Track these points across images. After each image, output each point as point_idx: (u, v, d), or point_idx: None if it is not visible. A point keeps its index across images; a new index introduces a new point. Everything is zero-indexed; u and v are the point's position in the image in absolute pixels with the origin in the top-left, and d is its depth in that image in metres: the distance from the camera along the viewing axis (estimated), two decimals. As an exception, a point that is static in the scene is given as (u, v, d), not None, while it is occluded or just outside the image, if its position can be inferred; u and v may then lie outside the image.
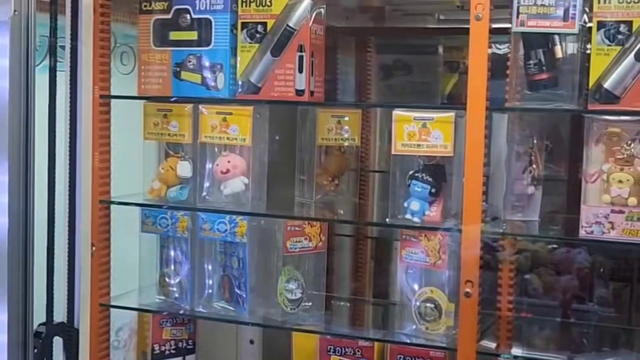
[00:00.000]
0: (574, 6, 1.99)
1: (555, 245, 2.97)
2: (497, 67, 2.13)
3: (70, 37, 2.29)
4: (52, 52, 2.23)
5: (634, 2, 1.91)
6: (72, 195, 2.33)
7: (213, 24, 2.27)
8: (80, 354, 2.40)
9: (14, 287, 2.05)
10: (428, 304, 2.19)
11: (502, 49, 2.28)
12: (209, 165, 2.36)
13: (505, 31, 2.12)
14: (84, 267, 2.37)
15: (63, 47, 2.34)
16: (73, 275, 2.34)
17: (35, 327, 2.29)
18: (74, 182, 2.31)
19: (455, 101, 2.87)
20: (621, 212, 1.95)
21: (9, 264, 2.04)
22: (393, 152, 2.16)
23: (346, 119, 2.47)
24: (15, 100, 1.86)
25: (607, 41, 1.94)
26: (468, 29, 2.01)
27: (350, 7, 2.90)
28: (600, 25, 1.94)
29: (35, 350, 2.26)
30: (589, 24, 2.01)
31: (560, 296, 2.92)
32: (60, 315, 2.40)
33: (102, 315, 2.44)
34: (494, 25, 2.03)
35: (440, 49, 3.02)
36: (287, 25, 2.21)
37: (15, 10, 1.81)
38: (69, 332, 2.39)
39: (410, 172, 2.18)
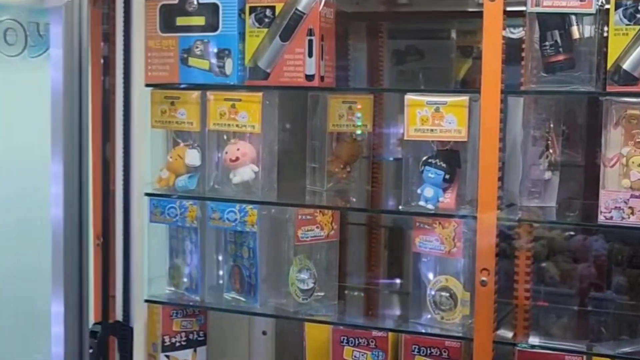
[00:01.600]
0: (591, -15, 1.94)
1: (572, 233, 2.92)
2: (512, 51, 2.08)
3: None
4: (106, 40, 2.17)
5: (653, -21, 1.86)
6: (127, 189, 2.27)
7: (220, 8, 2.24)
8: (135, 354, 2.38)
9: (70, 278, 2.01)
10: (443, 293, 2.16)
11: (517, 33, 2.23)
12: (218, 154, 2.32)
13: (520, 14, 2.07)
14: (135, 263, 2.33)
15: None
16: (129, 273, 2.29)
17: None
18: (128, 175, 2.25)
19: (469, 87, 2.82)
20: (641, 196, 1.91)
21: (64, 255, 1.99)
22: (405, 138, 2.13)
23: (358, 105, 2.42)
24: (69, 91, 1.82)
25: (625, 20, 1.90)
26: (482, 12, 1.97)
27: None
28: (619, 4, 1.91)
29: (91, 351, 2.21)
30: (607, 4, 1.96)
31: (577, 284, 2.88)
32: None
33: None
34: (508, 9, 1.99)
35: (454, 34, 2.97)
36: (296, 9, 2.17)
37: None
38: (124, 331, 2.34)
39: (424, 158, 2.14)
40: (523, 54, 2.08)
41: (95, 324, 2.32)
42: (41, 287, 2.20)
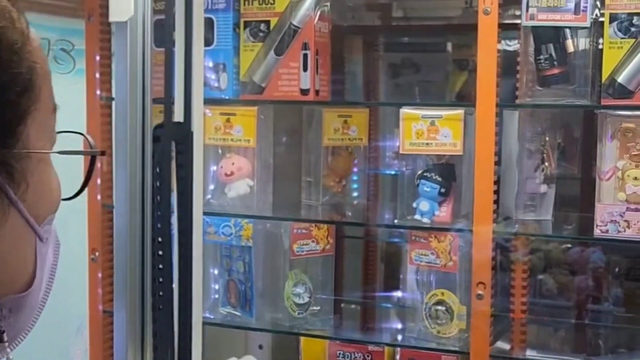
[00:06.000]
0: (586, -1, 1.94)
1: (569, 245, 2.92)
2: (507, 64, 2.08)
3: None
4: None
5: (647, -7, 1.86)
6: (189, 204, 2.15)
7: (215, 23, 2.24)
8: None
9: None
10: (439, 307, 2.15)
11: (512, 46, 2.23)
12: (212, 168, 2.32)
13: (514, 27, 2.07)
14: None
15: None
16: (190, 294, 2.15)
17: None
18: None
19: (465, 100, 2.82)
20: (637, 210, 1.91)
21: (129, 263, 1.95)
22: (401, 152, 2.12)
23: (352, 118, 2.42)
24: (133, 106, 1.81)
25: (620, 34, 1.90)
26: (477, 25, 1.97)
27: (356, 6, 2.85)
28: (613, 17, 1.91)
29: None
30: (601, 18, 1.96)
31: (574, 297, 2.87)
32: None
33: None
34: (503, 21, 1.99)
35: (449, 47, 2.97)
36: (291, 23, 2.18)
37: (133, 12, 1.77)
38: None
39: (419, 172, 2.14)
40: (518, 67, 2.08)
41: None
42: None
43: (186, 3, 1.82)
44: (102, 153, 1.00)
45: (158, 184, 1.80)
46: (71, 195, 0.95)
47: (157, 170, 1.79)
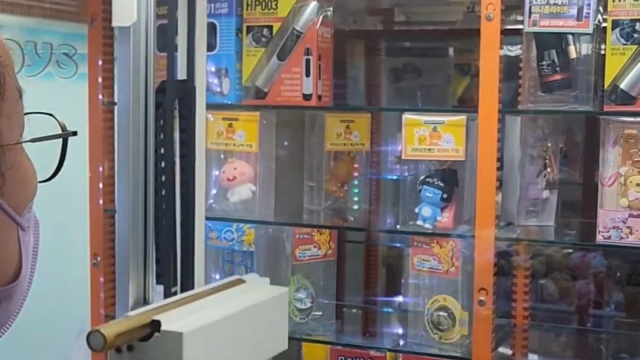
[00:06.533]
0: (588, 5, 1.95)
1: (570, 250, 2.91)
2: (508, 69, 2.08)
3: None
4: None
5: (650, -1, 1.86)
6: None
7: (218, 28, 2.24)
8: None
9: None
10: (441, 313, 2.15)
11: (513, 51, 2.23)
12: (215, 172, 2.31)
13: (516, 32, 2.07)
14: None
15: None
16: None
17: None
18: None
19: (467, 105, 2.82)
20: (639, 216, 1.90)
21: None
22: (403, 157, 2.12)
23: (355, 123, 2.42)
24: (136, 113, 1.81)
25: (622, 40, 1.90)
26: (479, 30, 1.97)
27: (358, 10, 2.85)
28: (615, 24, 1.90)
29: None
30: (604, 24, 1.96)
31: (576, 302, 2.86)
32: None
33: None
34: (505, 27, 1.99)
35: (451, 52, 2.97)
36: (294, 28, 2.17)
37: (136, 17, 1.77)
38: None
39: (422, 177, 2.14)
40: (520, 73, 2.08)
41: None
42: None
43: (189, 8, 1.82)
44: (74, 133, 0.99)
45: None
46: (47, 177, 0.95)
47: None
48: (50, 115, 0.98)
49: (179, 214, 1.77)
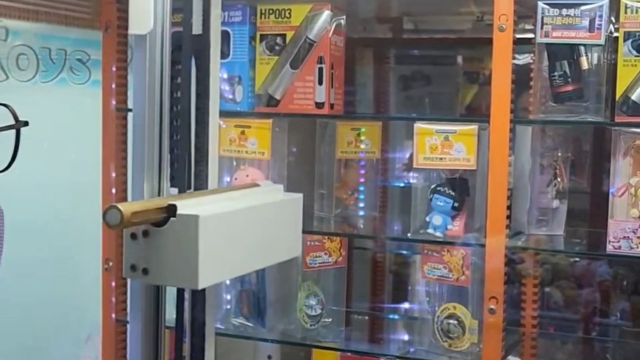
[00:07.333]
0: (600, 17, 1.96)
1: (576, 259, 2.92)
2: (518, 77, 2.09)
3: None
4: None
5: (662, 12, 1.88)
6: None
7: (231, 36, 2.25)
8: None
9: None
10: (451, 321, 2.16)
11: (522, 60, 2.24)
12: (227, 179, 2.33)
13: (526, 41, 2.08)
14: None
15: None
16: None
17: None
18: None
19: (476, 112, 2.83)
20: (650, 227, 1.92)
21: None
22: (415, 166, 2.13)
23: (365, 131, 2.43)
24: (150, 119, 1.82)
25: (634, 52, 1.91)
26: (488, 39, 1.98)
27: (367, 18, 2.87)
28: (627, 35, 1.92)
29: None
30: (615, 34, 1.97)
31: (581, 310, 2.88)
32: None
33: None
34: (515, 36, 2.00)
35: (460, 60, 2.99)
36: (307, 37, 2.19)
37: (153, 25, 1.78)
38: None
39: (433, 186, 2.15)
40: (531, 83, 2.10)
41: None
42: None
43: (204, 16, 1.83)
44: (25, 124, 0.99)
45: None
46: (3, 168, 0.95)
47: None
48: (5, 106, 0.99)
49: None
